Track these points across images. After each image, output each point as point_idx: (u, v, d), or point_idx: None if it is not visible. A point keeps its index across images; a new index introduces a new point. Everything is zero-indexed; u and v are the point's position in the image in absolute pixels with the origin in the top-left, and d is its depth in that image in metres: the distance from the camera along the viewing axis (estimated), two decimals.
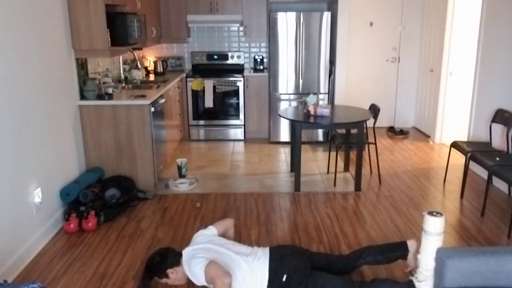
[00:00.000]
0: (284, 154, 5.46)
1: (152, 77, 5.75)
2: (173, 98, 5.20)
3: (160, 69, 5.92)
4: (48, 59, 3.35)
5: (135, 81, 5.17)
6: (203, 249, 2.54)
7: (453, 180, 4.47)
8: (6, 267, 2.74)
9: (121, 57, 5.13)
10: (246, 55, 6.37)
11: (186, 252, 2.56)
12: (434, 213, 1.89)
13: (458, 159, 4.87)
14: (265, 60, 6.23)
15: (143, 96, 4.10)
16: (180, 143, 5.84)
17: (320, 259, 2.72)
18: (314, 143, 5.88)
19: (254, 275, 2.47)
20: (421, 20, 6.30)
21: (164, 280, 2.58)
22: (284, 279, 2.45)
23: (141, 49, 5.80)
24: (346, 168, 4.83)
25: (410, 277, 2.14)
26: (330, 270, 2.61)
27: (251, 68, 6.28)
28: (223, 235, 2.82)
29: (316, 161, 5.16)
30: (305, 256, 2.65)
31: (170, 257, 2.57)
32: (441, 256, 1.80)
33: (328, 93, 5.78)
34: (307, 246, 3.18)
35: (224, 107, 5.99)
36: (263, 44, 6.34)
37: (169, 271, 2.54)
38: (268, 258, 2.53)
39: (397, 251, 2.72)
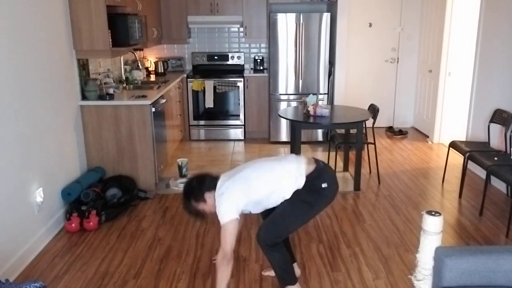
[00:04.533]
0: (284, 154, 5.48)
1: (153, 77, 5.77)
2: (173, 98, 5.22)
3: (160, 69, 5.94)
4: (49, 60, 3.37)
5: (136, 81, 5.19)
6: (235, 182, 2.40)
7: (452, 180, 4.50)
8: (7, 266, 2.76)
9: (122, 58, 5.14)
10: (246, 55, 6.39)
11: (220, 183, 2.45)
12: (433, 213, 1.91)
13: (457, 159, 4.89)
14: (265, 60, 6.25)
15: (144, 97, 4.12)
16: (180, 143, 5.86)
17: None
18: (313, 143, 5.91)
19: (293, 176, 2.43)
20: (419, 21, 6.32)
21: (201, 206, 2.46)
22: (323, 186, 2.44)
23: (142, 49, 5.82)
24: (346, 168, 4.86)
25: (409, 276, 2.16)
26: None
27: (251, 68, 6.30)
28: None
29: None
30: None
31: (207, 181, 2.47)
32: (440, 255, 1.81)
33: (328, 93, 5.81)
34: (307, 246, 3.21)
35: (225, 107, 6.01)
36: (263, 45, 6.37)
37: (206, 194, 2.43)
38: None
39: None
